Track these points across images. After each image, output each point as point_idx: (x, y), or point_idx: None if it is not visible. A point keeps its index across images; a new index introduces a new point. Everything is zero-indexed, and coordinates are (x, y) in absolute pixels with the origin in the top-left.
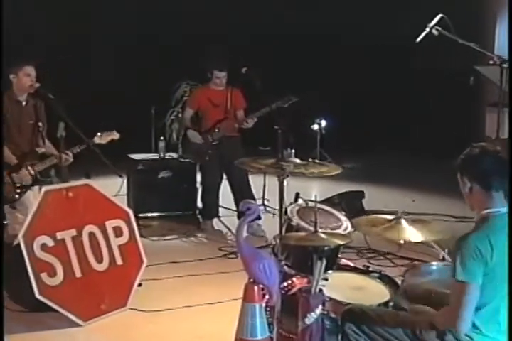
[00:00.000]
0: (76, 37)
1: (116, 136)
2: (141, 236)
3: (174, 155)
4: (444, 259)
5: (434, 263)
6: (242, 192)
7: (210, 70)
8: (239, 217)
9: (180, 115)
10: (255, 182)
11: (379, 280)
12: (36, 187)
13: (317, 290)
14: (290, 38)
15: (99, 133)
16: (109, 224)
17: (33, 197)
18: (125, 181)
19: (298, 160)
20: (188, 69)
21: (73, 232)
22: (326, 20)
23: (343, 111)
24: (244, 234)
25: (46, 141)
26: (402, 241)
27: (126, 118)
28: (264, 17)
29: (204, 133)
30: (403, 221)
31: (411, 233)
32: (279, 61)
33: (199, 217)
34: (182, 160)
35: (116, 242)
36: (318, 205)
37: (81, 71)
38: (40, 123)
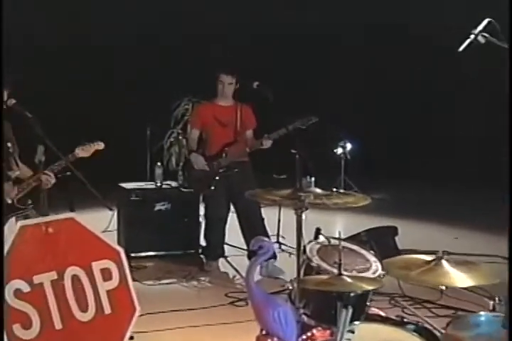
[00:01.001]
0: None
1: (101, 146)
2: (134, 279)
3: (173, 183)
4: (494, 309)
5: (482, 313)
6: (253, 228)
7: (216, 76)
8: (249, 257)
9: (180, 137)
10: (269, 216)
11: (415, 334)
12: (12, 219)
13: None
14: (309, 49)
15: (80, 146)
16: (96, 266)
17: (8, 231)
18: (115, 214)
19: (319, 190)
20: (191, 82)
21: (53, 275)
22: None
23: (369, 132)
24: (256, 277)
25: (20, 163)
26: (443, 287)
27: (117, 141)
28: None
29: (210, 159)
30: (444, 262)
31: (454, 277)
32: (294, 77)
33: (202, 256)
34: (183, 189)
35: (104, 287)
36: (343, 243)
37: (64, 85)
38: (9, 144)
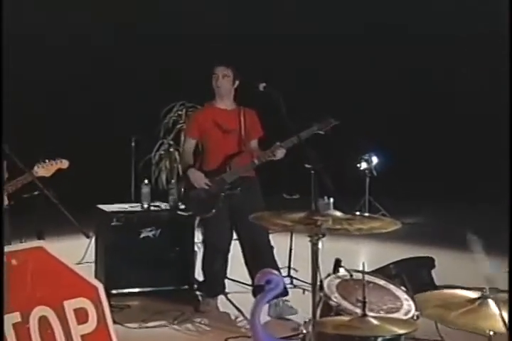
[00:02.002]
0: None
1: (64, 164)
2: (115, 322)
3: (163, 205)
4: None
5: None
6: (259, 259)
7: (211, 70)
8: (255, 294)
9: (172, 149)
10: (278, 244)
11: None
12: None
13: None
14: (327, 47)
15: (40, 164)
16: (70, 305)
17: None
18: (93, 243)
19: (338, 213)
20: (185, 84)
21: (17, 317)
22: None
23: (400, 144)
24: (263, 318)
25: None
26: (491, 332)
27: (96, 154)
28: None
29: (210, 174)
30: (491, 302)
31: (504, 320)
32: (307, 77)
33: (198, 293)
34: (176, 212)
35: (78, 331)
36: (368, 277)
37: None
38: None
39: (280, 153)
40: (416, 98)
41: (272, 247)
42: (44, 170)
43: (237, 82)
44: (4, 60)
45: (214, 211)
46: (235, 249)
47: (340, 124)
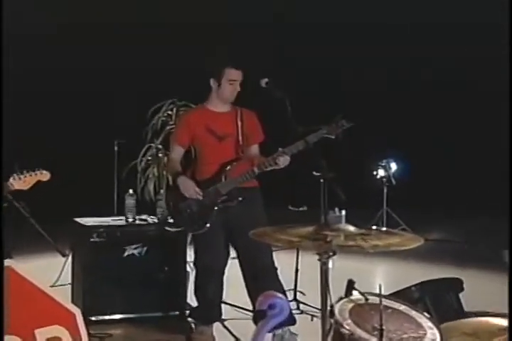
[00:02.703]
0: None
1: (45, 176)
2: None
3: (151, 219)
4: None
5: None
6: (261, 280)
7: (217, 69)
8: (256, 321)
9: (160, 154)
10: (283, 263)
11: None
12: None
13: None
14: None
15: (15, 175)
16: (42, 334)
17: None
18: (70, 262)
19: (352, 228)
20: (174, 81)
21: None
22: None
23: (422, 149)
24: None
25: None
26: None
27: (74, 160)
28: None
29: (203, 184)
30: None
31: None
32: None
33: (191, 320)
34: (165, 227)
35: None
36: (386, 302)
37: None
38: None
39: (283, 161)
40: (440, 97)
41: (275, 267)
42: (21, 182)
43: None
44: None
45: (207, 226)
46: (233, 269)
47: (353, 126)
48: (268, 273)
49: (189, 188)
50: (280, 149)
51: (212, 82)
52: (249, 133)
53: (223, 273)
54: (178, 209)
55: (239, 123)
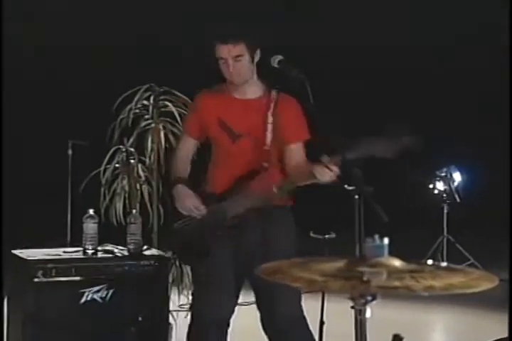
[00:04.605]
0: None
1: None
2: None
3: (118, 250)
4: None
5: None
6: (286, 335)
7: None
8: None
9: (133, 160)
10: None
11: None
12: None
13: None
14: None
15: None
16: None
17: None
18: (5, 309)
19: (397, 262)
20: (151, 61)
21: None
22: None
23: (495, 153)
24: None
25: None
26: None
27: (13, 167)
28: None
29: (210, 198)
30: None
31: None
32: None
33: None
34: (139, 261)
35: None
36: None
37: None
38: None
39: (334, 173)
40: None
41: (304, 317)
42: None
43: (257, 55)
44: None
45: (210, 257)
46: (243, 318)
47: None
48: (296, 325)
49: (185, 202)
50: (325, 157)
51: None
52: (287, 128)
53: (228, 325)
54: (172, 229)
55: (269, 116)
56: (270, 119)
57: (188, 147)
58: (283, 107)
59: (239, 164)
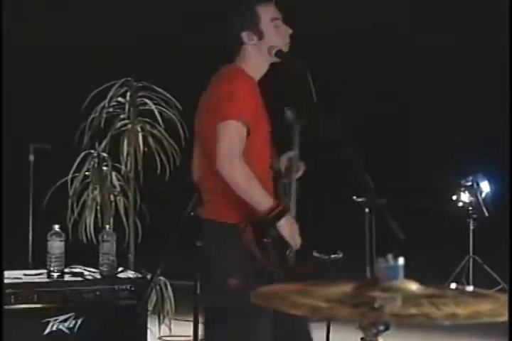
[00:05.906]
0: None
1: None
2: None
3: (88, 273)
4: None
5: None
6: None
7: (247, 14)
8: None
9: (105, 166)
10: None
11: None
12: None
13: None
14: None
15: None
16: None
17: None
18: None
19: (414, 286)
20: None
21: None
22: None
23: None
24: None
25: None
26: None
27: None
28: None
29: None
30: None
31: None
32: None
33: None
34: (113, 286)
35: None
36: None
37: None
38: None
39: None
40: None
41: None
42: None
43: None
44: None
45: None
46: None
47: (420, 125)
48: None
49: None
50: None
51: (246, 36)
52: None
53: None
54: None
55: None
56: None
57: (239, 132)
58: None
59: (267, 160)
